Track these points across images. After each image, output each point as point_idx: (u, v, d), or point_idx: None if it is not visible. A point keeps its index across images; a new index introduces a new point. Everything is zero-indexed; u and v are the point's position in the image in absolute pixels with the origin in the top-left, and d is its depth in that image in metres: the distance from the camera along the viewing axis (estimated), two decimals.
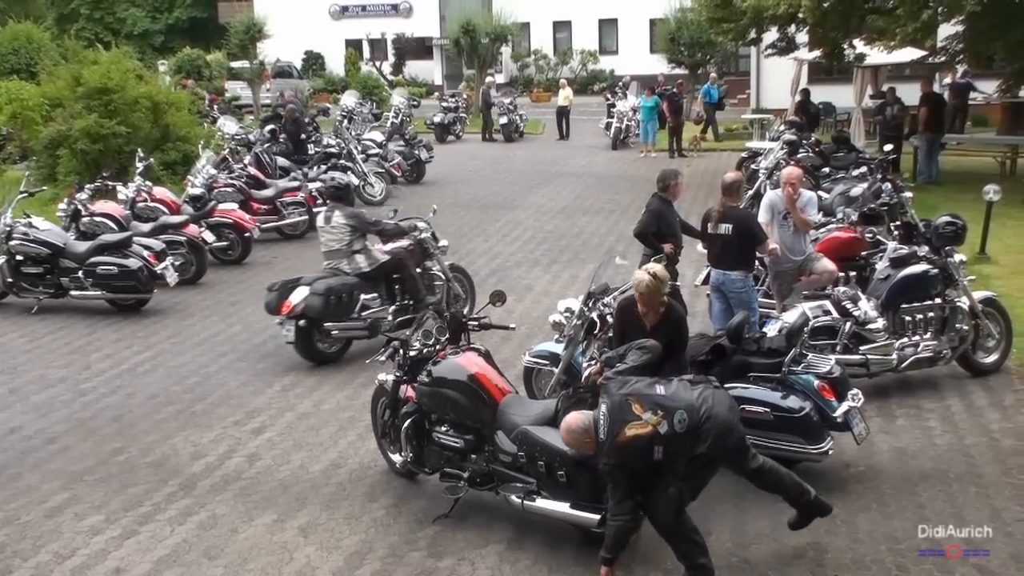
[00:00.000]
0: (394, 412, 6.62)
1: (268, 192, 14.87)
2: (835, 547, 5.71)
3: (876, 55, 19.61)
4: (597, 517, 5.38)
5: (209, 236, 12.57)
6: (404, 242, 9.76)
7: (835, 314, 7.62)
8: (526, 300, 11.13)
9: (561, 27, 42.20)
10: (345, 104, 22.78)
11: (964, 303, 8.19)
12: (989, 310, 8.38)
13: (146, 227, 12.08)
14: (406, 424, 6.41)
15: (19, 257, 11.22)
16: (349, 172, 15.84)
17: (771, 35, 20.91)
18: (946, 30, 18.33)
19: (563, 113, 27.25)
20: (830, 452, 6.27)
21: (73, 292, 11.10)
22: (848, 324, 7.63)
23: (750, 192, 13.41)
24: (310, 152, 18.54)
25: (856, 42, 19.45)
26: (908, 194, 11.14)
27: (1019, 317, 8.98)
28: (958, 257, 8.34)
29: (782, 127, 17.87)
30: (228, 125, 19.38)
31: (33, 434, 7.71)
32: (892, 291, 8.08)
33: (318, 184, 15.09)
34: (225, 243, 13.10)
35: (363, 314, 9.29)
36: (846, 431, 6.37)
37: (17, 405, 8.36)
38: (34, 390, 8.71)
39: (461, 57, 33.70)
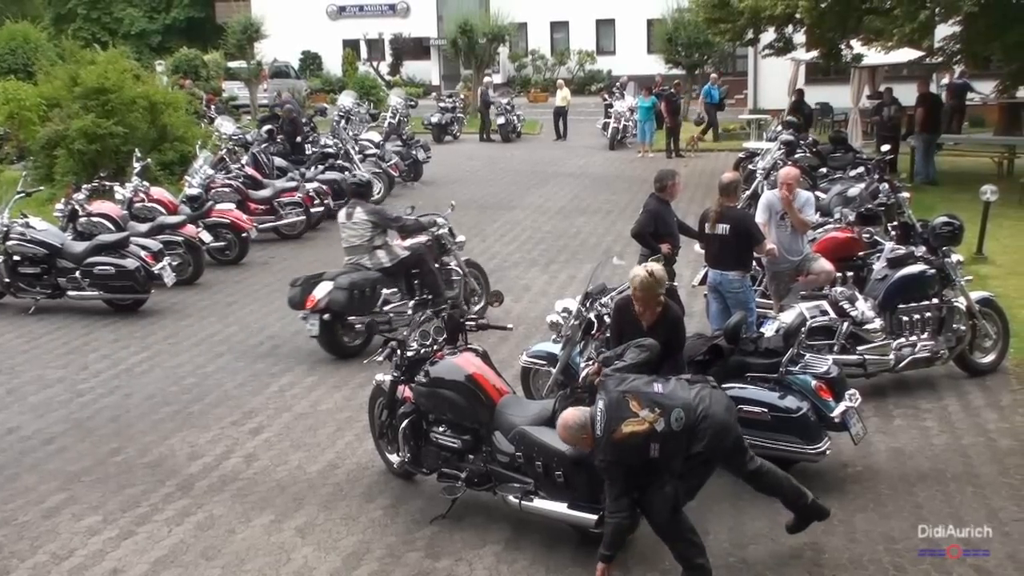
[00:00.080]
0: (392, 412, 6.62)
1: (265, 192, 14.86)
2: (832, 547, 5.71)
3: (873, 55, 19.66)
4: (595, 517, 5.39)
5: (206, 236, 12.54)
6: (422, 238, 9.86)
7: (832, 314, 7.65)
8: (523, 300, 11.13)
9: (558, 27, 42.23)
10: (342, 104, 22.72)
11: (961, 303, 8.21)
12: (986, 310, 8.39)
13: (143, 227, 12.11)
14: (404, 424, 6.42)
15: (16, 257, 11.21)
16: (346, 172, 15.83)
17: (768, 35, 20.94)
18: (943, 31, 18.39)
19: (560, 113, 27.22)
20: (827, 452, 6.27)
21: (70, 292, 11.09)
22: (845, 324, 7.65)
23: (747, 192, 13.42)
24: (307, 152, 18.57)
25: (853, 42, 19.48)
26: (905, 194, 11.12)
27: (1016, 317, 9.01)
28: (955, 257, 8.36)
29: (779, 127, 17.83)
30: (225, 125, 19.33)
31: (31, 434, 7.70)
32: (889, 291, 8.09)
33: (315, 184, 15.16)
34: (222, 243, 13.11)
35: (384, 308, 9.40)
36: (843, 431, 6.37)
37: (15, 405, 8.35)
38: (31, 390, 8.70)
39: (458, 57, 33.64)
